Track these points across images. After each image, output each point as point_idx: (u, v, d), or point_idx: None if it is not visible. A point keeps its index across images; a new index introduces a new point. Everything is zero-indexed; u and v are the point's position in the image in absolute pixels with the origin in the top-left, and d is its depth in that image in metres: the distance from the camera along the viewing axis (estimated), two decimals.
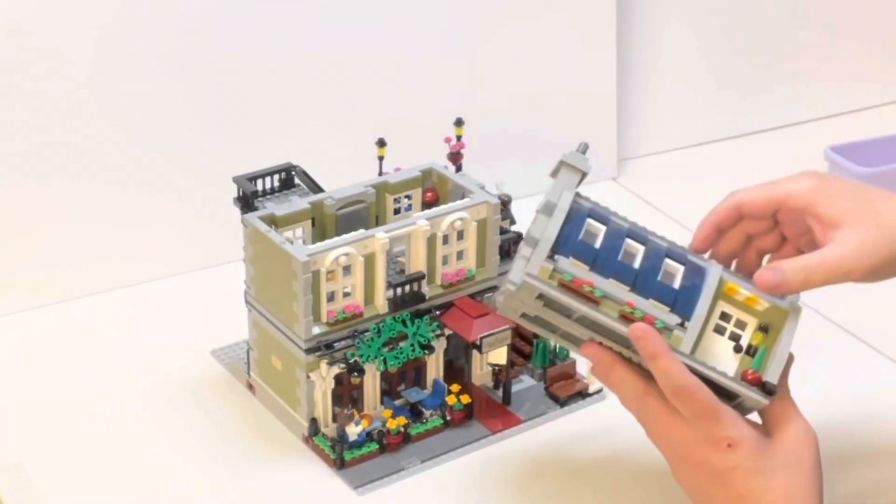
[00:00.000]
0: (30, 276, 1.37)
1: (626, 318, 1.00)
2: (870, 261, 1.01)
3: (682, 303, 1.02)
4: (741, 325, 1.04)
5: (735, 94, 1.76)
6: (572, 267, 1.02)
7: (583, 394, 1.25)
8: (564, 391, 1.25)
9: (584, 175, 1.07)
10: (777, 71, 1.77)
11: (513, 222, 1.26)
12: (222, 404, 1.24)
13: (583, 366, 1.25)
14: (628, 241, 1.05)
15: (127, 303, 1.39)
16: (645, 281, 1.02)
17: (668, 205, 1.54)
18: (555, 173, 1.07)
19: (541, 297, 1.01)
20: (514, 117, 1.59)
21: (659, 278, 1.03)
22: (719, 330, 1.03)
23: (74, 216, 1.38)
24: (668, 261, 1.05)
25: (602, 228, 1.05)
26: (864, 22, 1.80)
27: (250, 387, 1.25)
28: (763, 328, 1.04)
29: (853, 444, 1.20)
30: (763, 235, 1.08)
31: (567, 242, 1.03)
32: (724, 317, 1.04)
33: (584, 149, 1.08)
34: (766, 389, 1.00)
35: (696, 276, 1.05)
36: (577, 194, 1.07)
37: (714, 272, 1.05)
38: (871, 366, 1.32)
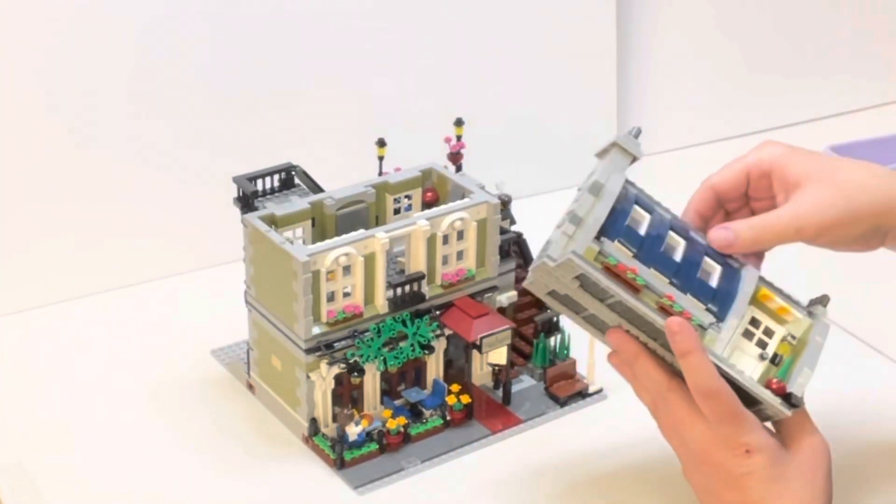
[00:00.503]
0: (30, 276, 1.37)
1: (664, 311, 0.99)
2: (820, 217, 1.02)
3: (718, 303, 1.02)
4: (769, 332, 1.04)
5: (735, 94, 1.76)
6: (617, 251, 1.00)
7: (583, 394, 1.25)
8: (564, 391, 1.25)
9: (634, 159, 1.05)
10: (777, 71, 1.77)
11: (513, 222, 1.26)
12: (222, 404, 1.24)
13: (583, 366, 1.25)
14: (671, 233, 1.04)
15: (127, 303, 1.39)
16: (686, 275, 1.01)
17: (669, 205, 1.54)
18: (603, 154, 1.05)
19: (579, 277, 0.99)
20: (514, 117, 1.59)
21: (698, 275, 1.02)
22: (747, 335, 1.03)
23: (74, 216, 1.38)
24: (706, 259, 1.04)
25: (647, 217, 1.04)
26: (864, 22, 1.80)
27: (250, 387, 1.25)
28: (790, 339, 1.04)
29: (853, 443, 1.20)
30: (742, 214, 1.09)
31: (614, 226, 1.01)
32: (755, 322, 1.04)
33: (637, 133, 1.06)
34: (791, 402, 1.00)
35: (733, 277, 1.04)
36: (626, 179, 1.05)
37: (751, 276, 1.04)
38: (871, 366, 1.32)
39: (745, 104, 1.77)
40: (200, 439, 1.20)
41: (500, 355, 1.21)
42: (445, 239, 1.18)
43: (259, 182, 1.23)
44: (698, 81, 1.73)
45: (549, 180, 1.62)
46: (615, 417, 1.21)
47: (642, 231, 1.02)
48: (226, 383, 1.27)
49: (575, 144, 1.64)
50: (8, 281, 1.36)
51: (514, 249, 1.26)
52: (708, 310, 1.01)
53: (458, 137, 1.27)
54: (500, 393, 1.24)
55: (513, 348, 1.22)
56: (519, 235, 1.26)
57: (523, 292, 1.27)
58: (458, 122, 1.27)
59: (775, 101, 1.78)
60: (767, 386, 1.00)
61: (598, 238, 0.99)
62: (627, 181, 1.05)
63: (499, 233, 1.22)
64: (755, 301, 1.04)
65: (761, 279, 1.05)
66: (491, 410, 1.23)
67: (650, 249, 1.01)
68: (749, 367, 1.02)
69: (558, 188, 1.63)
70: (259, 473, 1.16)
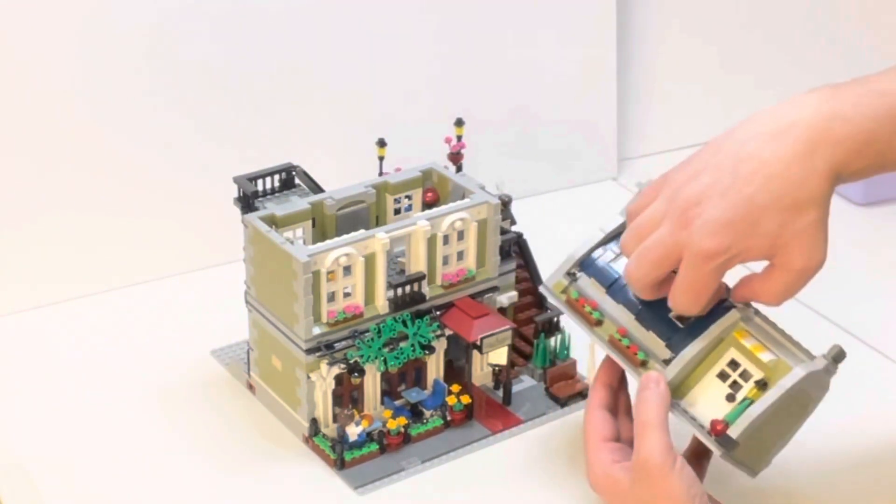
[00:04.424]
0: (30, 276, 1.37)
1: (613, 343, 1.07)
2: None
3: (677, 341, 1.05)
4: (747, 376, 1.04)
5: (735, 94, 1.76)
6: (589, 286, 1.10)
7: (583, 394, 1.25)
8: (564, 391, 1.24)
9: None
10: (777, 70, 1.77)
11: (513, 222, 1.26)
12: (222, 404, 1.24)
13: (583, 366, 1.25)
14: None
15: (127, 303, 1.39)
16: (651, 314, 1.06)
17: None
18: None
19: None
20: (514, 117, 1.59)
21: (671, 315, 1.05)
22: (723, 376, 1.04)
23: (74, 216, 1.38)
24: None
25: None
26: (864, 22, 1.80)
27: (250, 387, 1.25)
28: (762, 384, 1.03)
29: (853, 444, 1.20)
30: None
31: (593, 263, 1.10)
32: (733, 364, 1.04)
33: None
34: (722, 442, 1.01)
35: (710, 316, 1.05)
36: None
37: (731, 317, 1.05)
38: (872, 366, 1.32)
39: (746, 104, 1.76)
40: (200, 439, 1.20)
41: (500, 356, 1.21)
42: (446, 239, 1.18)
43: (259, 182, 1.23)
44: (698, 81, 1.73)
45: (549, 180, 1.62)
46: None
47: (621, 269, 1.08)
48: (226, 383, 1.27)
49: (575, 144, 1.64)
50: (8, 281, 1.36)
51: (515, 250, 1.26)
52: (668, 346, 1.05)
53: (459, 137, 1.27)
54: (500, 393, 1.24)
55: (513, 348, 1.22)
56: (519, 236, 1.26)
57: (524, 292, 1.27)
58: (459, 122, 1.27)
59: (775, 101, 1.77)
60: (713, 425, 1.02)
61: (573, 272, 1.11)
62: None
63: (499, 233, 1.22)
64: (735, 342, 1.05)
65: (747, 320, 1.05)
66: (491, 411, 1.23)
67: (622, 287, 1.08)
68: (712, 407, 1.03)
69: (558, 188, 1.63)
70: (259, 473, 1.16)
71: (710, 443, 1.02)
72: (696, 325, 1.05)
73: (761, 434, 1.03)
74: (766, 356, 1.04)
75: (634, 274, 1.02)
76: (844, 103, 0.98)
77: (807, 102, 0.99)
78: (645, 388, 1.03)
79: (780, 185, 0.96)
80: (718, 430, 1.02)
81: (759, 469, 1.05)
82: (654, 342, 1.06)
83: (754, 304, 1.06)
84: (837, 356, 1.04)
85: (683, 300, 1.00)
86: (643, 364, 1.06)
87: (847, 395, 1.26)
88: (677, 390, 1.05)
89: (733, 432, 1.01)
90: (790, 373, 1.02)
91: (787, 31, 1.76)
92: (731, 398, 1.03)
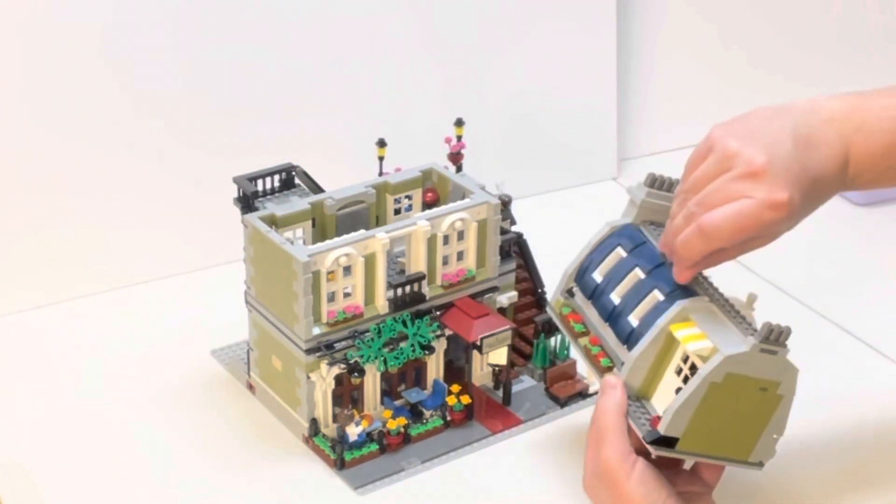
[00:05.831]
0: (30, 276, 1.37)
1: (585, 353, 1.08)
2: None
3: (633, 341, 1.05)
4: (694, 368, 1.02)
5: (735, 94, 1.75)
6: (581, 299, 1.11)
7: (583, 394, 1.25)
8: (565, 391, 1.25)
9: (638, 206, 1.11)
10: (778, 70, 1.77)
11: (513, 223, 1.26)
12: (222, 404, 1.24)
13: (583, 366, 1.25)
14: (636, 270, 1.07)
15: (127, 303, 1.39)
16: (617, 316, 1.07)
17: None
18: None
19: None
20: (514, 117, 1.59)
21: (629, 315, 1.05)
22: (679, 370, 1.04)
23: (75, 216, 1.38)
24: (655, 292, 1.05)
25: (620, 258, 1.09)
26: (865, 22, 1.80)
27: (250, 387, 1.25)
28: (693, 370, 1.02)
29: (853, 444, 1.20)
30: None
31: (583, 275, 1.11)
32: (685, 358, 1.03)
33: (649, 180, 1.11)
34: (650, 438, 1.01)
35: (658, 311, 1.04)
36: (642, 222, 1.11)
37: (674, 309, 1.03)
38: (872, 366, 1.32)
39: (746, 103, 1.76)
40: (200, 439, 1.20)
41: (500, 356, 1.21)
42: (446, 239, 1.18)
43: (259, 182, 1.23)
44: (698, 81, 1.73)
45: (549, 180, 1.62)
46: None
47: (602, 277, 1.09)
48: (226, 383, 1.27)
49: (575, 144, 1.64)
50: (8, 281, 1.36)
51: (515, 250, 1.26)
52: (628, 348, 1.05)
53: (459, 137, 1.27)
54: (500, 393, 1.24)
55: (513, 349, 1.22)
56: (519, 236, 1.26)
57: (523, 292, 1.27)
58: (459, 123, 1.27)
59: (776, 101, 1.77)
60: (653, 421, 1.02)
61: (570, 289, 1.12)
62: (637, 224, 1.11)
63: (499, 233, 1.22)
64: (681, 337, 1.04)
65: (696, 307, 1.03)
66: (491, 411, 1.23)
67: (601, 294, 1.09)
68: (662, 401, 1.03)
69: (558, 188, 1.63)
70: (259, 473, 1.16)
71: (643, 437, 1.01)
72: (648, 322, 1.04)
73: (710, 425, 1.00)
74: (695, 345, 1.00)
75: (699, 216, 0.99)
76: (870, 116, 1.02)
77: (838, 108, 1.03)
78: (602, 394, 1.04)
79: (830, 173, 1.01)
80: (651, 428, 1.01)
81: (752, 459, 1.03)
82: (619, 345, 1.06)
83: (712, 281, 1.05)
84: (771, 335, 0.97)
85: (721, 223, 0.97)
86: (607, 370, 1.06)
87: (847, 394, 1.26)
88: (646, 391, 1.04)
89: (661, 428, 1.00)
90: (711, 359, 0.99)
91: (788, 31, 1.76)
92: (678, 391, 1.01)
